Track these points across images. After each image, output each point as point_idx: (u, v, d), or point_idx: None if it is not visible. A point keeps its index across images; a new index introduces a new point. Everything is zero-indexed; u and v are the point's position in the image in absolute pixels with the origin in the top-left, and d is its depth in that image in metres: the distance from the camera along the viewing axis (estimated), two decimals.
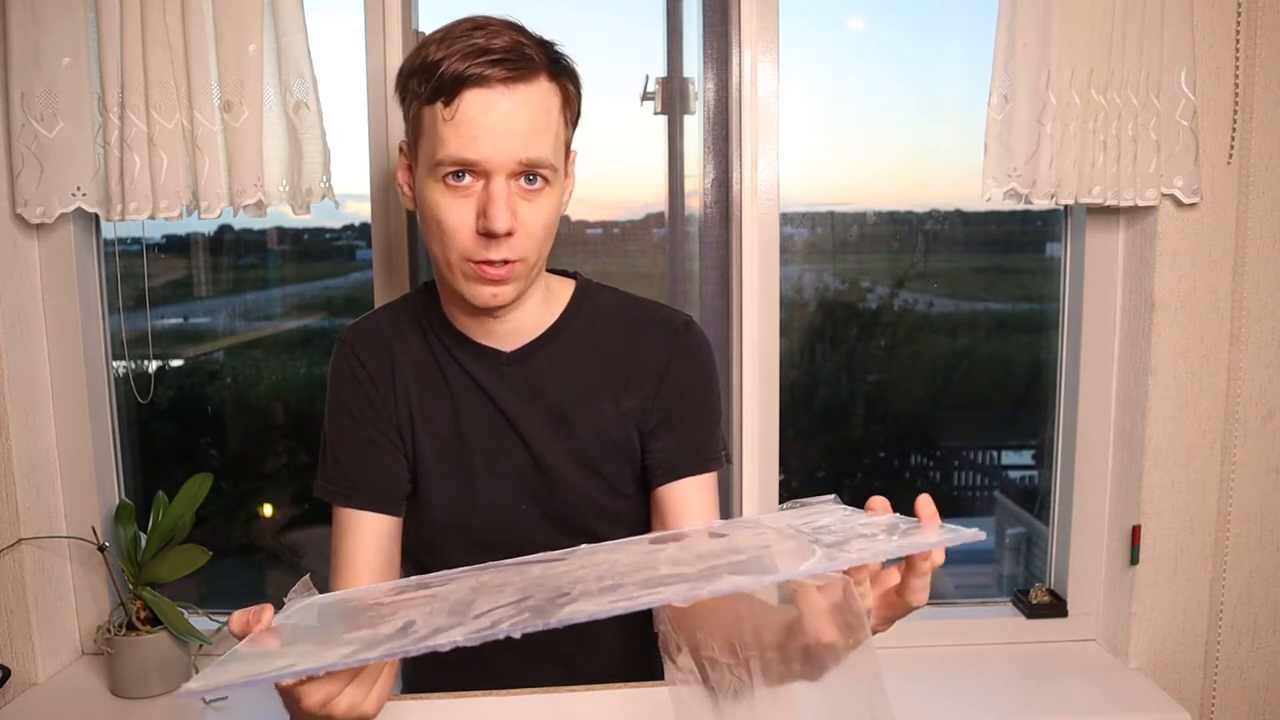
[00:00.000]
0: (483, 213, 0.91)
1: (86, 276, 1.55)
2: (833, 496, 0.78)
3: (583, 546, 0.73)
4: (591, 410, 1.04)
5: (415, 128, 0.95)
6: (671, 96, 1.61)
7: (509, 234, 0.91)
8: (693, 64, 1.59)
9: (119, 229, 1.60)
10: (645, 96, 1.61)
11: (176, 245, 1.77)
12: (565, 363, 1.05)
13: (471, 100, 0.89)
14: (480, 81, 0.89)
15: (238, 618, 0.69)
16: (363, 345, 1.07)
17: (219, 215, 1.39)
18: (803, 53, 1.60)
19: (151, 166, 1.36)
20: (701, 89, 1.57)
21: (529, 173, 0.92)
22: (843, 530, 0.68)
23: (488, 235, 0.91)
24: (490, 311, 1.00)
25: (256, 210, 1.40)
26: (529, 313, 1.04)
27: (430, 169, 0.92)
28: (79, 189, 1.41)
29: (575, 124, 1.00)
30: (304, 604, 0.74)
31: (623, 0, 1.68)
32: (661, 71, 1.61)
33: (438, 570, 1.04)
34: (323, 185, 1.41)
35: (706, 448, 1.06)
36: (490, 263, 0.93)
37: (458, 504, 1.05)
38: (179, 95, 1.36)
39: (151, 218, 1.38)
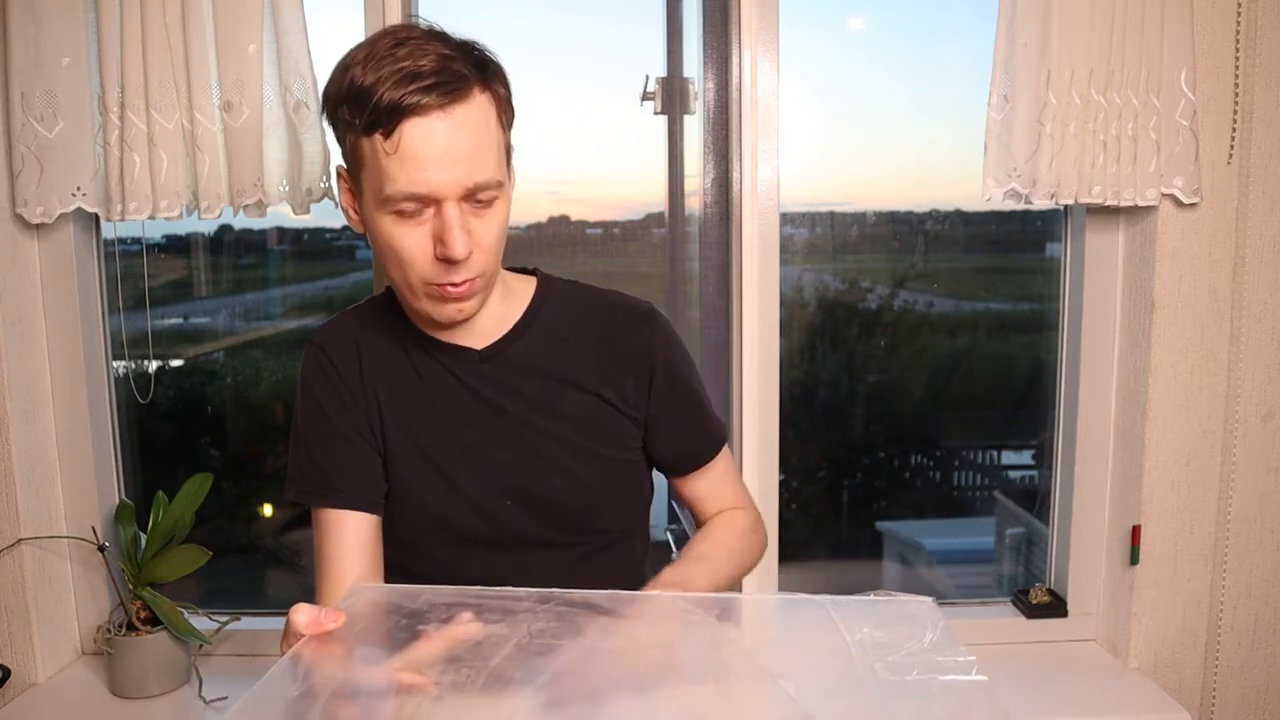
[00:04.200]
0: (440, 239, 0.91)
1: (86, 276, 1.55)
2: (930, 601, 0.70)
3: (652, 599, 0.70)
4: (573, 395, 1.05)
5: (355, 159, 0.93)
6: (671, 96, 1.61)
7: (467, 257, 0.92)
8: (693, 64, 1.59)
9: (119, 229, 1.60)
10: (645, 96, 1.60)
11: (176, 245, 1.77)
12: (540, 354, 1.05)
13: (411, 131, 0.88)
14: (417, 110, 0.87)
15: (308, 612, 0.68)
16: (331, 345, 1.07)
17: (219, 215, 1.39)
18: (803, 53, 1.60)
19: (151, 166, 1.36)
20: (701, 89, 1.57)
21: (478, 193, 0.93)
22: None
23: (446, 261, 0.92)
24: (455, 326, 1.01)
25: (256, 210, 1.40)
26: (491, 311, 1.04)
27: (379, 203, 0.92)
28: (79, 189, 1.41)
29: (511, 124, 1.00)
30: (361, 598, 0.73)
31: (623, 0, 1.68)
32: (661, 71, 1.61)
33: (420, 569, 1.03)
34: (323, 185, 1.41)
35: (714, 425, 1.13)
36: (452, 284, 0.94)
37: (439, 501, 1.04)
38: (179, 95, 1.36)
39: (151, 218, 1.38)
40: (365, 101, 0.87)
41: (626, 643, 0.66)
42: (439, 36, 0.92)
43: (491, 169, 0.92)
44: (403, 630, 0.69)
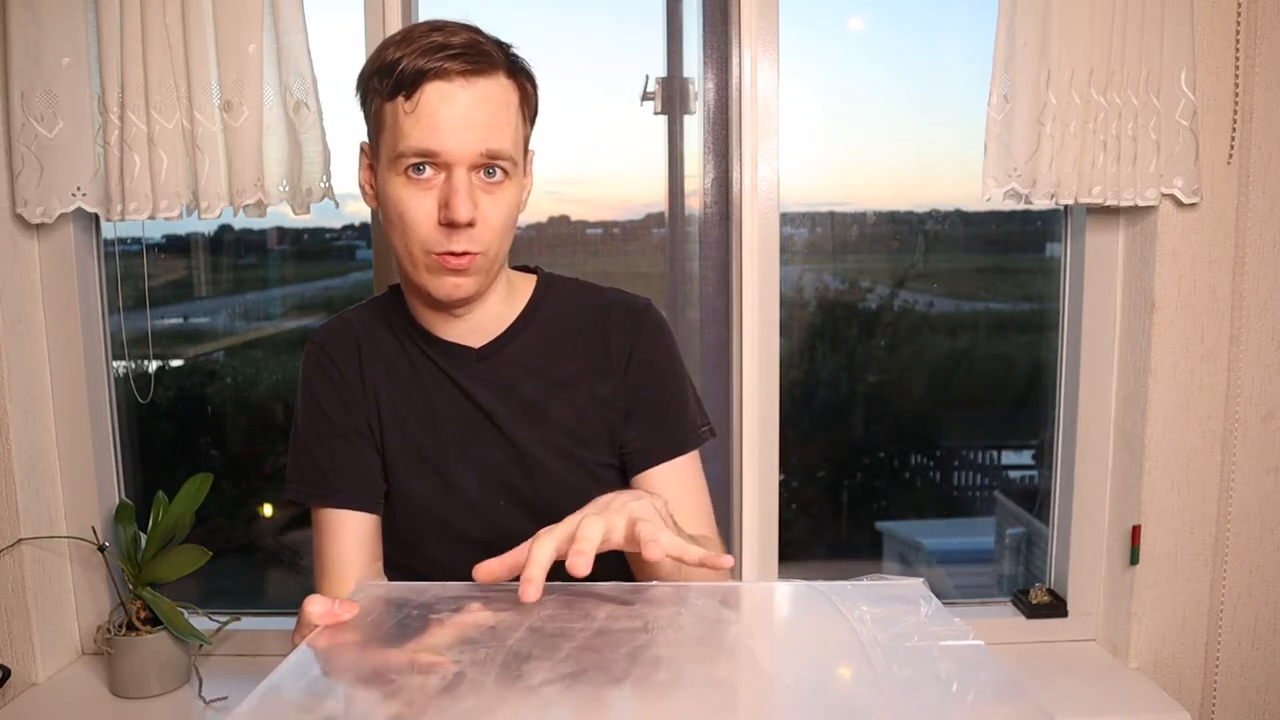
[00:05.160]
0: (445, 204, 0.92)
1: (86, 276, 1.55)
2: (920, 581, 0.75)
3: (654, 587, 0.73)
4: (566, 399, 1.04)
5: (376, 124, 0.96)
6: (671, 96, 1.61)
7: (470, 224, 0.92)
8: (693, 64, 1.59)
9: (119, 229, 1.60)
10: (645, 96, 1.61)
11: (176, 245, 1.77)
12: (536, 354, 1.05)
13: (432, 93, 0.90)
14: (440, 75, 0.90)
15: (322, 603, 0.70)
16: (332, 344, 1.07)
17: (219, 215, 1.39)
18: (803, 53, 1.60)
19: (151, 166, 1.36)
20: (701, 89, 1.57)
21: (489, 165, 0.94)
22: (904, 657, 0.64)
23: (450, 225, 0.92)
24: (453, 306, 1.00)
25: (256, 210, 1.40)
26: (492, 308, 1.04)
27: (392, 162, 0.93)
28: (79, 189, 1.41)
29: (533, 122, 1.01)
30: (366, 593, 0.75)
31: (623, 0, 1.68)
32: (661, 71, 1.61)
33: (418, 569, 1.04)
34: (323, 185, 1.41)
35: (679, 430, 1.07)
36: (452, 253, 0.94)
37: (437, 500, 1.04)
38: (179, 95, 1.36)
39: (151, 218, 1.38)
40: (393, 69, 0.91)
41: (636, 625, 0.68)
42: (473, 28, 0.94)
43: (506, 142, 0.94)
44: (414, 620, 0.70)
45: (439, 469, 1.04)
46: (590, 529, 0.73)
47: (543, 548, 0.72)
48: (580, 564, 0.69)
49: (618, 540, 0.75)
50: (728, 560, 0.74)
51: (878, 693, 0.59)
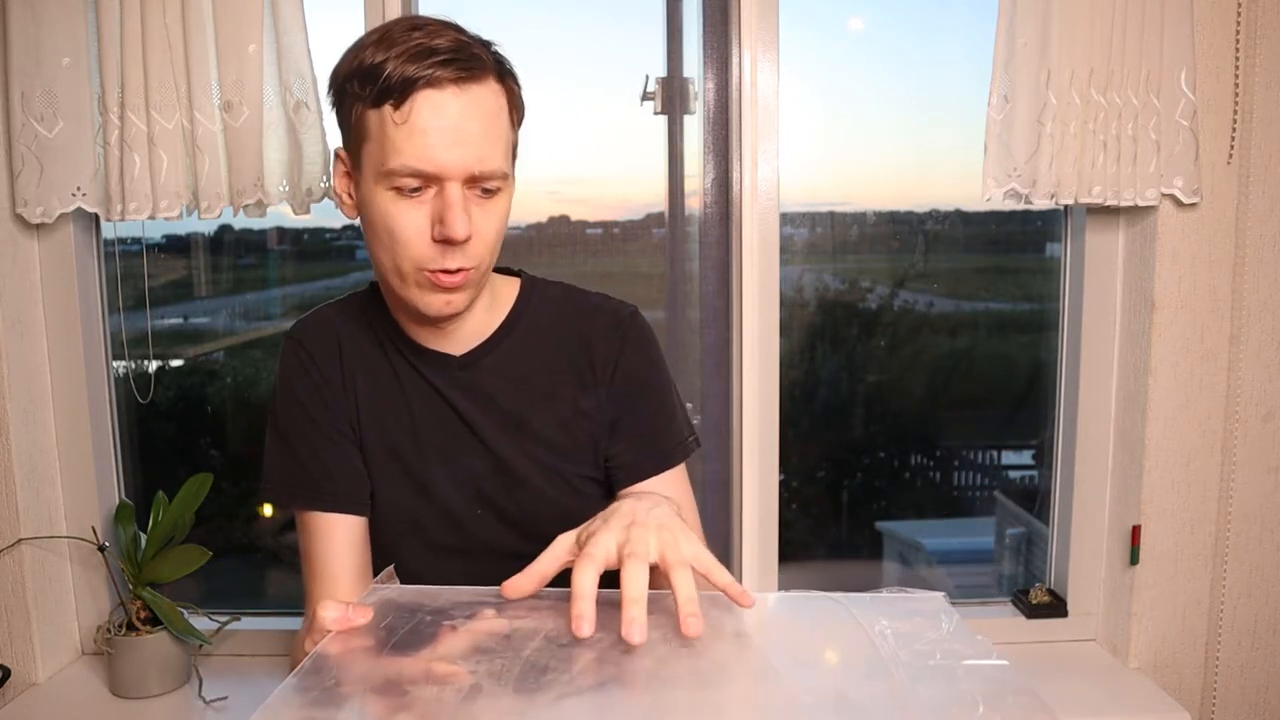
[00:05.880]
0: (440, 220, 0.88)
1: (86, 276, 1.55)
2: (942, 595, 0.74)
3: (669, 598, 0.70)
4: (548, 409, 1.02)
5: (358, 132, 0.90)
6: (671, 96, 1.61)
7: (466, 240, 0.89)
8: (693, 64, 1.59)
9: (119, 229, 1.60)
10: (645, 96, 1.60)
11: (176, 245, 1.77)
12: (517, 363, 1.02)
13: (423, 103, 0.86)
14: (431, 83, 0.85)
15: (336, 608, 0.69)
16: (312, 341, 1.04)
17: (219, 215, 1.39)
18: (803, 53, 1.60)
19: (151, 166, 1.36)
20: (701, 89, 1.57)
21: (483, 182, 0.91)
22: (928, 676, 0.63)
23: (445, 243, 0.89)
24: (441, 322, 0.97)
25: (256, 210, 1.40)
26: (475, 316, 1.01)
27: (380, 176, 0.88)
28: (79, 189, 1.41)
29: (520, 124, 0.98)
30: (379, 597, 0.74)
31: (623, 0, 1.68)
32: (661, 71, 1.61)
33: (399, 577, 1.02)
34: (323, 185, 1.41)
35: (665, 443, 1.05)
36: (446, 271, 0.90)
37: (413, 504, 1.02)
38: (179, 95, 1.36)
39: (151, 218, 1.38)
40: (377, 74, 0.86)
41: (654, 636, 0.66)
42: (455, 26, 0.90)
43: (499, 159, 0.90)
44: (428, 626, 0.69)
45: (418, 476, 1.01)
46: (638, 583, 0.68)
47: (586, 576, 0.68)
48: (635, 632, 0.64)
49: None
50: (750, 599, 0.71)
51: (904, 715, 0.58)
